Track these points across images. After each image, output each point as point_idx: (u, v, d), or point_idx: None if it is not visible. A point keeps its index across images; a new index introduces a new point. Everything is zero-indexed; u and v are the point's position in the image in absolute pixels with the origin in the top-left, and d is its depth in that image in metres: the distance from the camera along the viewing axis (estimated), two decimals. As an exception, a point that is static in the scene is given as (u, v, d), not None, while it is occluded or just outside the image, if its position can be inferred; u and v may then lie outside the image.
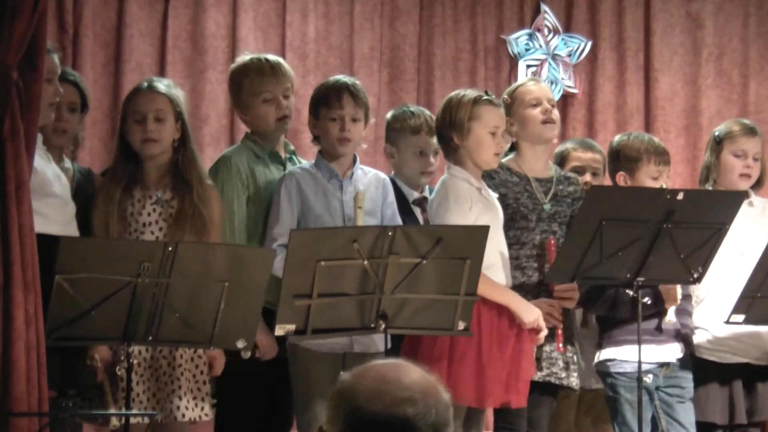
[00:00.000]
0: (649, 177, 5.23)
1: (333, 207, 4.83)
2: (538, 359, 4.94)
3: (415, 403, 2.29)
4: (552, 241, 4.96)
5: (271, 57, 5.17)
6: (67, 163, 4.92)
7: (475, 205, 4.79)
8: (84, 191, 4.80)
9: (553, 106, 5.19)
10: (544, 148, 5.22)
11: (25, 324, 4.08)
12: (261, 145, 5.03)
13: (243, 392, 4.82)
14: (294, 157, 5.14)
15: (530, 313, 4.76)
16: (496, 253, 4.78)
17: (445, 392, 2.35)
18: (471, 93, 4.90)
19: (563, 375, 5.01)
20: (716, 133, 5.46)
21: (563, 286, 4.97)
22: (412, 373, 2.34)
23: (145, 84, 4.83)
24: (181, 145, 4.74)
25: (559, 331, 4.95)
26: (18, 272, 4.09)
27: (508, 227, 4.96)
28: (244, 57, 5.22)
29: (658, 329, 5.13)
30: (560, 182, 5.19)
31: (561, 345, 4.95)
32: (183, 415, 4.56)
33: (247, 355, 4.47)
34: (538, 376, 4.94)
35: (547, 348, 4.96)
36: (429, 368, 4.64)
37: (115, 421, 4.53)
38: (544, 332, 4.83)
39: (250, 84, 5.04)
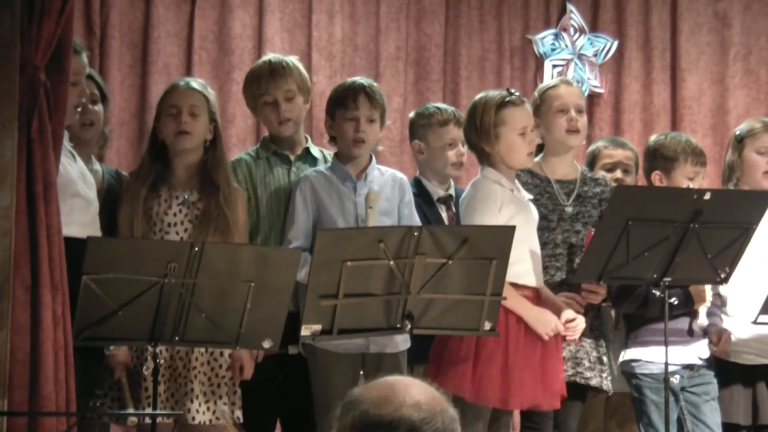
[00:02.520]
0: (685, 177, 5.18)
1: (347, 209, 4.82)
2: (564, 359, 4.92)
3: (420, 409, 2.36)
4: (591, 233, 4.87)
5: (276, 58, 5.12)
6: (96, 165, 4.93)
7: (506, 207, 4.75)
8: (114, 193, 4.82)
9: (580, 111, 5.14)
10: (568, 153, 5.20)
11: (53, 324, 4.10)
12: (267, 147, 5.04)
13: (259, 393, 4.82)
14: (310, 150, 5.08)
15: (544, 325, 4.71)
16: (528, 254, 4.77)
17: (452, 408, 2.43)
18: (494, 96, 4.83)
19: (589, 375, 5.00)
20: (738, 132, 5.44)
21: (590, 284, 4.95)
22: (419, 386, 2.42)
23: (182, 82, 4.89)
24: (211, 147, 4.77)
25: None
26: (46, 272, 4.11)
27: (529, 228, 4.93)
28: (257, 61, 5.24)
29: (690, 333, 5.10)
30: (585, 183, 5.17)
31: (577, 338, 4.90)
32: (193, 418, 4.57)
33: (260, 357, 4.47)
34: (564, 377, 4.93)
35: (572, 347, 4.95)
36: (455, 369, 4.64)
37: (132, 419, 4.54)
38: (574, 336, 4.82)
39: (250, 88, 5.06)
